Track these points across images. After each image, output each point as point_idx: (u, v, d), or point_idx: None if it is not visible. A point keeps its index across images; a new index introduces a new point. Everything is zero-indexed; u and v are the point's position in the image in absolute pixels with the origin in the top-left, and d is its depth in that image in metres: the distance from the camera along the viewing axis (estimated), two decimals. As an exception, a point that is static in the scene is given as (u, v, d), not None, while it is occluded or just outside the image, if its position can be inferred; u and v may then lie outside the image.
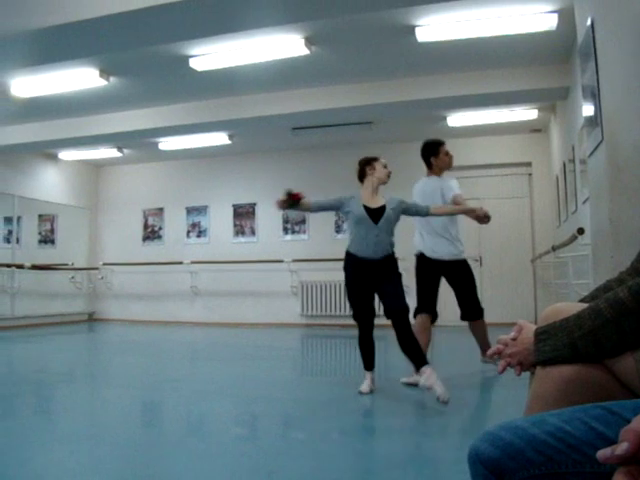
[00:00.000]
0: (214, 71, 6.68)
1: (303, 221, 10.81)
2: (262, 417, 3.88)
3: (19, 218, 10.65)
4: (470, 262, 9.86)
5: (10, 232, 10.60)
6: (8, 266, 10.03)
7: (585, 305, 1.25)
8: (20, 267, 10.10)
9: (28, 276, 10.35)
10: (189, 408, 4.15)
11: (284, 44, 6.01)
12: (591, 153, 3.63)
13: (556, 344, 1.21)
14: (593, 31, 3.29)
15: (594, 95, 3.38)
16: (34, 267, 10.34)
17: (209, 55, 6.26)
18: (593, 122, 3.51)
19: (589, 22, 3.35)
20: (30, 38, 5.26)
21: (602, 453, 0.80)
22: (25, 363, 6.68)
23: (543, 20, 5.46)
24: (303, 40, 5.95)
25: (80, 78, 6.83)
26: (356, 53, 6.48)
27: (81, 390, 4.86)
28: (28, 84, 7.01)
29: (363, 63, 6.79)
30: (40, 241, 11.37)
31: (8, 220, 10.60)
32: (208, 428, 3.65)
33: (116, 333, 10.14)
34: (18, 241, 10.64)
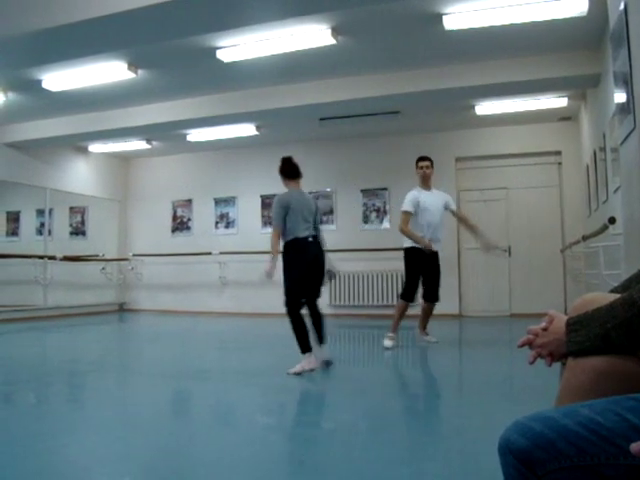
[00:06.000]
0: (241, 62, 6.69)
1: (331, 211, 10.81)
2: (291, 406, 3.90)
3: (51, 210, 10.83)
4: (499, 252, 9.88)
5: (42, 224, 10.79)
6: (41, 257, 10.21)
7: (617, 295, 1.23)
8: (52, 258, 10.28)
9: (60, 267, 10.52)
10: (219, 397, 4.19)
11: (311, 34, 6.00)
12: (623, 141, 3.57)
13: (588, 334, 1.19)
14: (626, 16, 3.22)
15: (626, 82, 3.32)
16: (66, 258, 10.52)
17: (236, 46, 6.27)
18: (625, 109, 3.45)
19: (622, 6, 3.29)
20: (60, 33, 5.34)
21: (636, 446, 0.80)
22: (58, 353, 6.80)
23: (574, 5, 5.36)
24: (330, 30, 5.93)
25: (109, 71, 6.90)
26: (383, 42, 6.43)
27: (112, 379, 4.94)
28: (59, 78, 7.11)
29: (390, 52, 6.74)
30: (71, 233, 11.56)
31: (40, 212, 10.79)
32: (237, 417, 3.68)
33: (146, 323, 10.27)
34: (50, 233, 10.82)
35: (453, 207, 6.39)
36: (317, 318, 4.84)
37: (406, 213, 6.06)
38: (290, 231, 4.76)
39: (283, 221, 4.76)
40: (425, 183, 6.24)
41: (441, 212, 6.21)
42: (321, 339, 4.82)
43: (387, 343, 5.98)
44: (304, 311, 4.79)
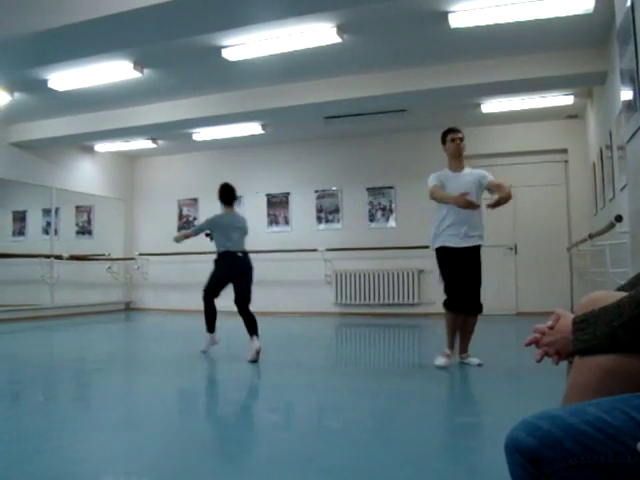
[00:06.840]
0: (247, 61, 6.69)
1: (337, 210, 10.81)
2: (299, 405, 3.90)
3: (57, 210, 10.85)
4: (504, 250, 9.84)
5: (49, 224, 10.82)
6: (47, 257, 10.24)
7: (623, 294, 1.22)
8: (59, 258, 10.31)
9: (66, 267, 10.55)
10: (225, 396, 4.20)
11: (316, 33, 5.99)
12: (629, 139, 3.56)
13: (595, 333, 1.19)
14: (633, 13, 3.21)
15: (633, 80, 3.31)
16: (72, 258, 10.54)
17: (241, 45, 6.27)
18: (632, 107, 3.44)
19: (629, 3, 3.28)
20: (65, 33, 5.35)
21: (643, 444, 0.80)
22: (65, 351, 6.83)
23: (580, 2, 5.34)
24: (335, 29, 5.92)
25: (115, 71, 6.92)
26: (388, 40, 6.42)
27: (119, 378, 4.95)
28: (65, 78, 7.12)
29: (396, 50, 6.72)
30: (78, 232, 11.59)
31: (46, 212, 10.82)
32: (245, 416, 3.69)
33: (152, 322, 10.29)
34: (56, 232, 10.85)
35: (489, 179, 4.95)
36: (249, 320, 5.51)
37: (432, 185, 4.90)
38: (221, 245, 5.77)
39: (197, 233, 6.07)
40: (457, 161, 5.01)
41: (476, 196, 4.83)
42: (252, 331, 5.46)
43: (438, 361, 4.85)
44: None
